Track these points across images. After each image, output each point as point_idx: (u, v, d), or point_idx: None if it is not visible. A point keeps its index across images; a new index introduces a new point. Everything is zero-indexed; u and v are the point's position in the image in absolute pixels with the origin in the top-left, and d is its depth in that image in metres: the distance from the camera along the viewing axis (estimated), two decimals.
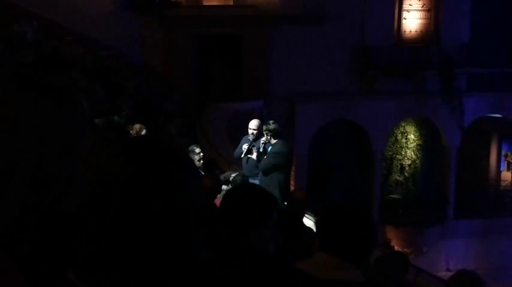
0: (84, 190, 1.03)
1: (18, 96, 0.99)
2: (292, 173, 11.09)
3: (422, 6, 20.98)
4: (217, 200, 6.31)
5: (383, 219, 19.58)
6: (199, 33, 18.70)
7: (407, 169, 21.48)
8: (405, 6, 20.81)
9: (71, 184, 1.02)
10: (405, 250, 18.17)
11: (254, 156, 7.67)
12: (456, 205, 21.33)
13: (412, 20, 20.96)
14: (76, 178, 1.03)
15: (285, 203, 7.00)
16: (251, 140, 7.86)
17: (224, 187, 7.31)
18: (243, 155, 7.89)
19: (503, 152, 23.23)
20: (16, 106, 0.98)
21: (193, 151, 7.68)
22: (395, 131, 21.34)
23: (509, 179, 23.37)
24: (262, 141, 7.68)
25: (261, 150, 7.70)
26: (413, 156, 21.49)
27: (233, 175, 7.58)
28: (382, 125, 20.28)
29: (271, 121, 7.78)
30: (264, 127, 7.61)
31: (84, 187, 1.04)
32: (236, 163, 9.17)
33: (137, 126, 7.97)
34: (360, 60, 20.12)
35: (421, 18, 21.01)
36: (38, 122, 0.99)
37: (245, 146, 7.84)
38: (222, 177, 8.30)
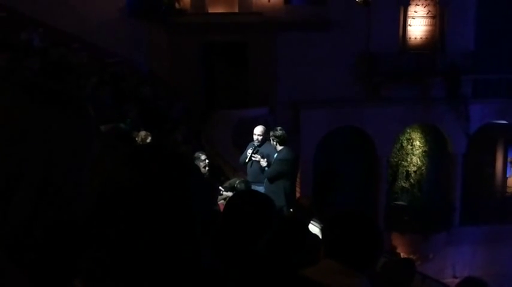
0: (90, 197, 1.04)
1: (24, 105, 0.99)
2: (298, 179, 11.08)
3: (427, 13, 20.98)
4: (222, 205, 6.31)
5: (389, 226, 19.54)
6: (204, 40, 18.75)
7: (413, 175, 21.44)
8: (410, 13, 20.82)
9: (78, 192, 1.03)
10: (411, 256, 18.08)
11: (258, 158, 7.64)
12: (462, 212, 21.26)
13: (417, 27, 20.96)
14: (83, 186, 1.03)
15: (291, 209, 6.99)
16: (256, 145, 7.88)
17: (229, 194, 7.31)
18: (247, 160, 7.91)
19: (509, 159, 23.14)
20: (22, 114, 0.98)
21: (198, 158, 7.67)
22: (400, 137, 21.31)
23: None
24: (267, 151, 7.68)
25: (265, 162, 7.64)
26: (419, 162, 21.45)
27: (238, 182, 7.58)
28: (388, 131, 20.25)
29: (278, 127, 7.78)
30: (271, 133, 7.61)
31: (90, 194, 1.04)
32: (242, 169, 9.18)
33: (143, 133, 7.98)
34: (365, 67, 20.13)
35: (426, 25, 21.02)
36: (44, 130, 0.98)
37: (249, 151, 7.86)
38: (227, 184, 8.31)
